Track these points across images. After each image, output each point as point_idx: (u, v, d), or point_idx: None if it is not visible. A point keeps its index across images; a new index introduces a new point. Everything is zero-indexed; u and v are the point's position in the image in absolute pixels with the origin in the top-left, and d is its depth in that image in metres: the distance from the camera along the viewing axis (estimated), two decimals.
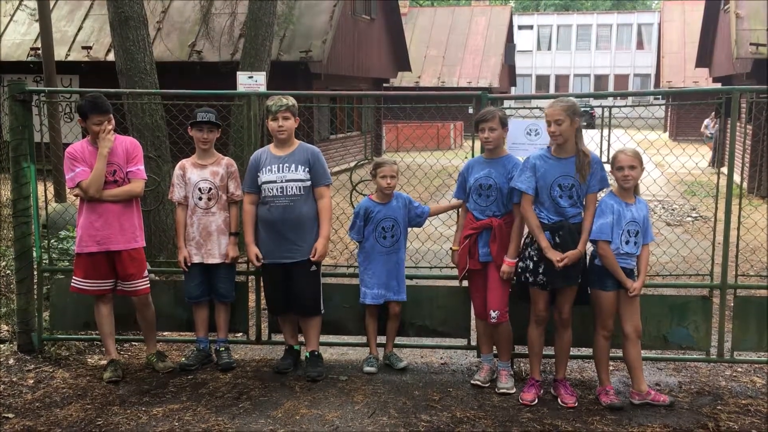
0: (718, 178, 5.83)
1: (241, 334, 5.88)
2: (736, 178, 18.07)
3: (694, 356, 5.38)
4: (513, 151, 5.28)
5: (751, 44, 14.55)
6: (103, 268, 5.12)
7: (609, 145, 5.21)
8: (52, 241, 6.23)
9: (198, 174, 5.35)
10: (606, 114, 5.24)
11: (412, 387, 5.10)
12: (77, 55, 18.26)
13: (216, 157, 5.46)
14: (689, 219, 12.81)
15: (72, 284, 5.21)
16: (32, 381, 5.20)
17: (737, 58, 14.77)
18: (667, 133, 35.55)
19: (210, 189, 5.34)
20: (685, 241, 7.57)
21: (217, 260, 5.37)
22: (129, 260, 5.13)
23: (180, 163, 5.46)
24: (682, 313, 5.21)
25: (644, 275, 4.77)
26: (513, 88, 46.53)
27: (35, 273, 5.74)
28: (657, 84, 37.79)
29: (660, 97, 30.16)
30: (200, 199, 5.34)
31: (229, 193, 5.41)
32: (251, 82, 9.67)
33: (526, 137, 5.27)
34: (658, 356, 5.47)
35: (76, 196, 5.21)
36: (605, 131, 5.24)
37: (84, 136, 5.22)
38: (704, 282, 5.38)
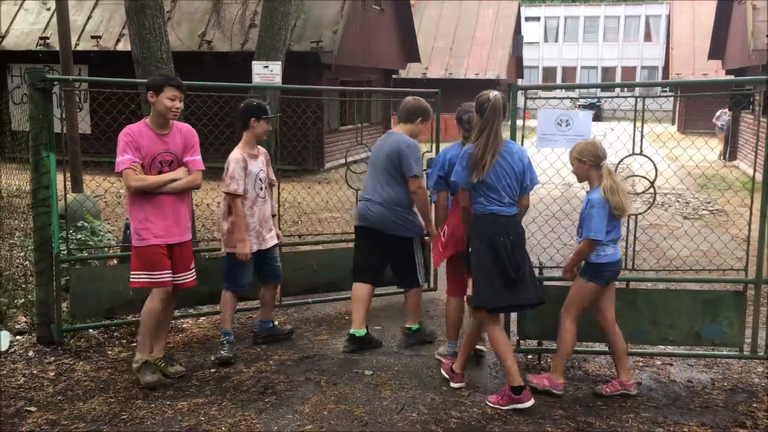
0: (754, 171, 5.69)
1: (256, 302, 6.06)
2: (750, 170, 17.90)
3: (727, 352, 5.28)
4: (543, 142, 5.18)
5: (767, 36, 14.40)
6: (164, 259, 4.88)
7: (642, 136, 5.07)
8: (70, 231, 6.13)
9: (255, 165, 5.42)
10: (639, 106, 5.09)
11: (439, 382, 5.00)
12: (86, 45, 18.14)
13: (257, 146, 5.58)
14: (706, 212, 12.68)
15: (131, 280, 4.90)
16: (53, 374, 5.12)
17: (754, 49, 14.59)
18: (675, 126, 35.32)
19: (264, 177, 5.51)
20: (706, 235, 7.42)
21: (275, 242, 5.65)
22: (181, 253, 4.96)
23: (237, 155, 5.34)
24: (715, 308, 5.10)
25: (568, 264, 4.81)
26: (520, 80, 46.31)
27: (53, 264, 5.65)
28: (666, 76, 37.52)
29: (668, 89, 29.92)
30: (261, 189, 5.46)
31: (270, 179, 5.64)
32: (266, 71, 9.54)
33: (557, 128, 5.15)
34: (688, 352, 5.36)
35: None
36: (638, 124, 5.08)
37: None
38: (738, 277, 5.25)
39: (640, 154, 5.10)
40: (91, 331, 5.86)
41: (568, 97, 5.59)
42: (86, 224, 6.57)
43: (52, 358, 5.39)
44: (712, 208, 12.94)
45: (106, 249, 6.77)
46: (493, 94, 4.52)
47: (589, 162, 4.58)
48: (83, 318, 5.80)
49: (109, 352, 5.58)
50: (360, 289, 5.50)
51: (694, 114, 32.64)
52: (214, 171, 6.82)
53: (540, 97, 5.18)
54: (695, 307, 5.11)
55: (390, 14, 23.08)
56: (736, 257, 6.86)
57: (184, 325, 6.20)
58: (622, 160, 5.20)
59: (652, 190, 5.13)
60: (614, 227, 4.60)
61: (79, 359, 5.40)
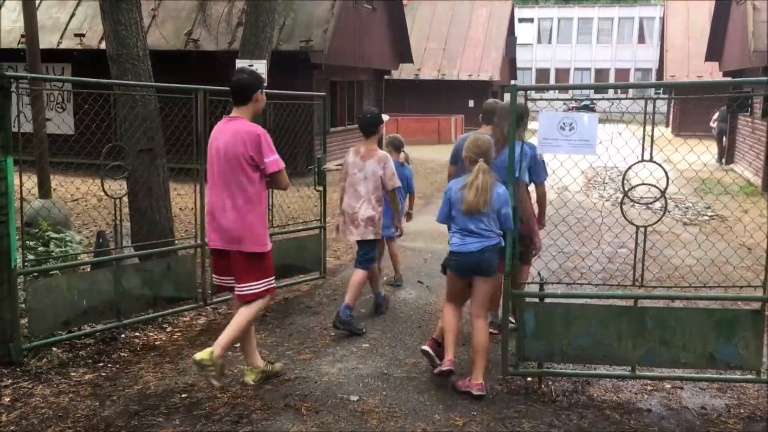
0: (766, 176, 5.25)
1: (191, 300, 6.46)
2: (748, 174, 17.55)
3: (741, 376, 4.85)
4: (545, 147, 4.76)
5: None
6: None
7: (652, 141, 4.66)
8: (31, 242, 5.67)
9: None
10: (650, 108, 4.67)
11: (431, 410, 4.57)
12: (69, 43, 17.64)
13: None
14: (705, 218, 12.30)
15: (263, 288, 4.74)
16: (9, 399, 4.65)
17: (754, 51, 14.23)
18: (670, 128, 35.03)
19: None
20: (721, 249, 6.99)
21: None
22: None
23: (388, 154, 6.27)
24: (731, 328, 4.68)
25: None
26: (513, 81, 45.93)
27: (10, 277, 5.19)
28: (660, 78, 37.21)
29: (662, 91, 29.52)
30: None
31: None
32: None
33: (560, 132, 4.73)
34: (701, 375, 4.92)
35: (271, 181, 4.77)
36: (648, 128, 4.67)
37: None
38: (756, 294, 4.83)
39: (650, 160, 4.69)
40: (54, 349, 5.41)
41: (572, 99, 5.15)
42: (45, 233, 6.10)
43: (10, 381, 4.92)
44: (711, 214, 12.57)
45: (71, 259, 6.32)
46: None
47: (469, 158, 4.83)
48: (44, 334, 5.35)
49: (73, 374, 5.11)
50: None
51: (689, 117, 32.35)
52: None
53: (543, 99, 4.77)
54: (709, 327, 4.68)
55: (382, 13, 22.64)
56: (753, 271, 6.47)
57: (155, 340, 5.75)
58: (630, 167, 4.77)
59: (660, 199, 4.73)
60: (460, 219, 4.78)
61: (38, 382, 4.93)
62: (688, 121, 32.56)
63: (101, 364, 5.31)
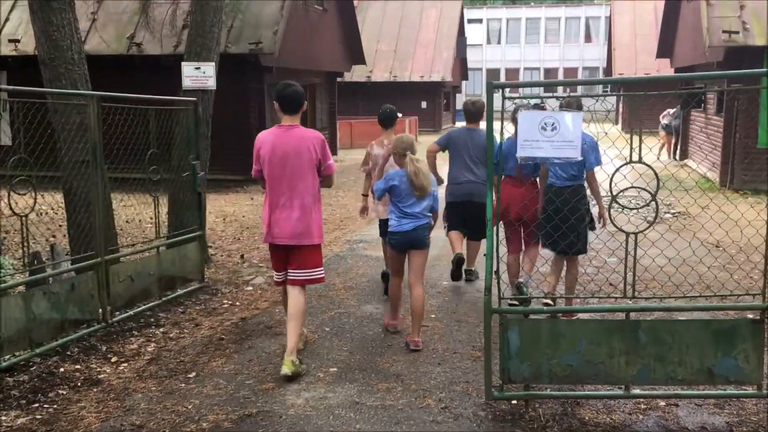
0: None
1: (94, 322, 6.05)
2: (703, 170, 17.57)
3: (740, 391, 4.52)
4: (526, 149, 4.36)
5: (723, 32, 13.96)
6: None
7: (641, 140, 4.29)
8: None
9: None
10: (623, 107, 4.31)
11: None
12: (4, 50, 16.71)
13: None
14: (668, 216, 12.13)
15: (321, 275, 5.33)
16: None
17: (709, 46, 14.16)
18: (619, 125, 35.33)
19: None
20: (692, 246, 6.68)
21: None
22: None
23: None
24: (730, 340, 4.33)
25: None
26: (464, 83, 45.88)
27: None
28: (609, 76, 37.57)
29: (609, 88, 29.75)
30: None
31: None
32: (199, 73, 8.53)
33: (541, 133, 4.33)
34: (700, 393, 4.56)
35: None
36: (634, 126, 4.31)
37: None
38: (756, 303, 4.50)
39: (639, 161, 4.33)
40: None
41: (522, 97, 4.79)
42: None
43: None
44: (674, 211, 12.40)
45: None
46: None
47: (399, 154, 5.64)
48: None
49: (3, 418, 4.51)
50: (457, 234, 7.25)
51: (638, 113, 32.62)
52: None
53: (521, 97, 4.37)
54: (707, 339, 4.32)
55: (333, 14, 22.14)
56: (750, 277, 6.19)
57: (98, 374, 5.17)
58: (618, 170, 4.39)
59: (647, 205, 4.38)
60: (397, 204, 5.60)
61: None
62: (637, 118, 32.77)
63: (36, 404, 4.71)
